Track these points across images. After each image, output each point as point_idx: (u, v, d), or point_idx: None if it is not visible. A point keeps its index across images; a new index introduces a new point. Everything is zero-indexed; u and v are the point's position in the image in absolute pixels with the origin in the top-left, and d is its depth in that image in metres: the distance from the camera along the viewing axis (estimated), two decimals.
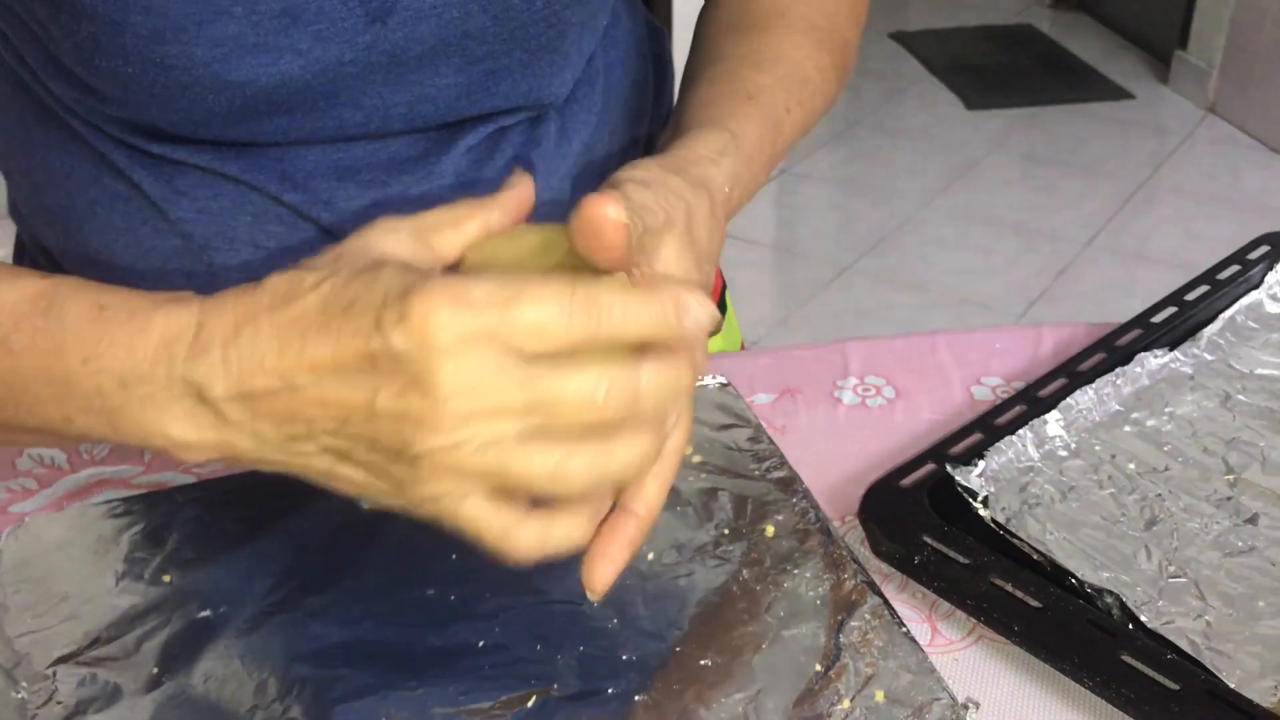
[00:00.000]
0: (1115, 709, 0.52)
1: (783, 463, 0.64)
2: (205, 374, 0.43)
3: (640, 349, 0.42)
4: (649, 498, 0.47)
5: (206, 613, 0.56)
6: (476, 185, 0.64)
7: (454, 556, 0.58)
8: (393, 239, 0.47)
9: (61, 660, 0.53)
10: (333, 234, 0.62)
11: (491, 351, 0.40)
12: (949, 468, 0.62)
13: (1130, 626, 0.54)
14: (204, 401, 0.44)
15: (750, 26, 0.67)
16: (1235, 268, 0.81)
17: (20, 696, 0.51)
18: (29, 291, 0.48)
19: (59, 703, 0.51)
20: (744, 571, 0.57)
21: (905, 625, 0.54)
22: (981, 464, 0.63)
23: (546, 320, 0.40)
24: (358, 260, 0.44)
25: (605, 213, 0.40)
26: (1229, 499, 0.63)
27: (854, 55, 0.72)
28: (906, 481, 0.63)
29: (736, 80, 0.63)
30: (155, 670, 0.52)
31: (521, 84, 0.63)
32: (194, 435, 0.45)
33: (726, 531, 0.60)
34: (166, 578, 0.58)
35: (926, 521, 0.60)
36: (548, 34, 0.62)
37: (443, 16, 0.59)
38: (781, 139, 0.62)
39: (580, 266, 0.43)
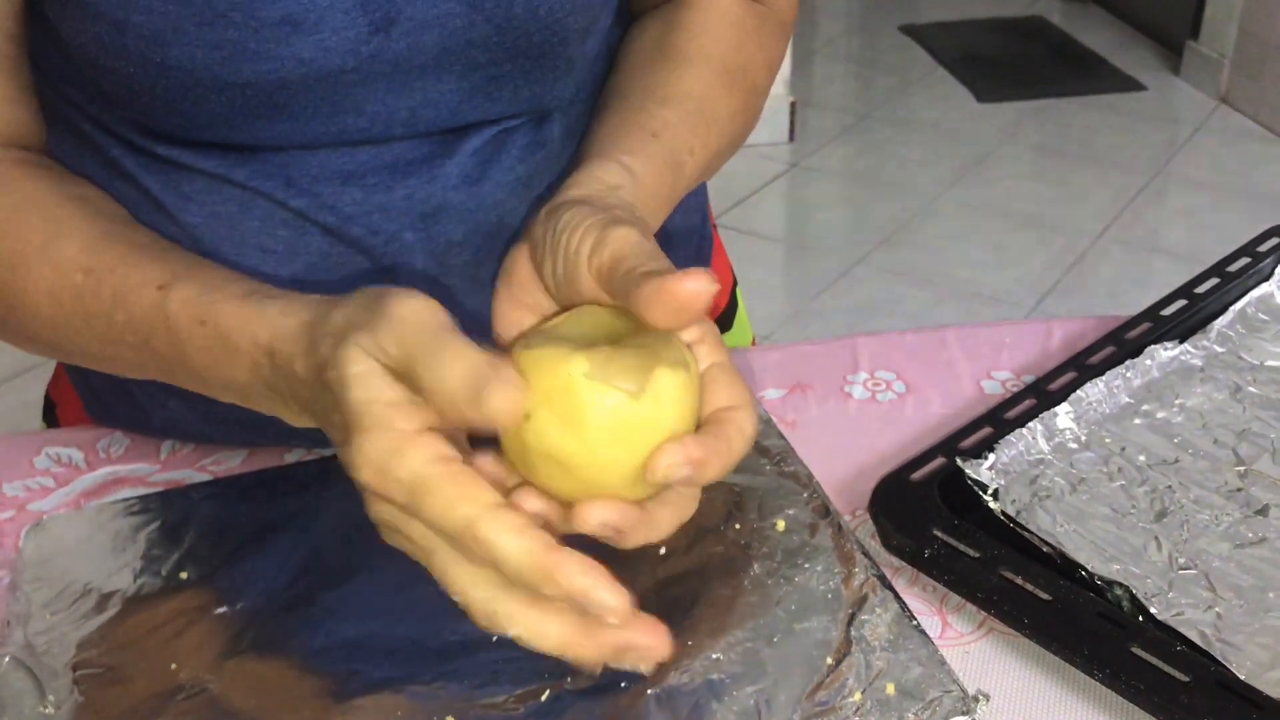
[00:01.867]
0: (1125, 701, 0.52)
1: (793, 457, 0.65)
2: (283, 391, 0.50)
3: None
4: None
5: (223, 609, 0.56)
6: (481, 185, 0.64)
7: None
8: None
9: (80, 657, 0.53)
10: (338, 236, 0.63)
11: (398, 512, 0.44)
12: (959, 461, 0.62)
13: (1140, 618, 0.54)
14: (289, 408, 0.51)
15: (663, 62, 0.66)
16: (1245, 260, 0.81)
17: (45, 708, 0.51)
18: (150, 303, 0.54)
19: (78, 700, 0.51)
20: (755, 566, 0.58)
21: (916, 618, 0.55)
22: (991, 457, 0.63)
23: (442, 530, 0.42)
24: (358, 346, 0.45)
25: (699, 288, 0.42)
26: (1239, 490, 0.63)
27: (762, 102, 0.71)
28: (917, 475, 0.64)
29: (642, 115, 0.62)
30: (173, 666, 0.53)
31: (524, 90, 0.63)
32: (299, 423, 0.52)
33: (738, 526, 0.60)
34: (184, 574, 0.58)
35: (937, 515, 0.60)
36: (550, 41, 0.62)
37: (446, 26, 0.59)
38: (682, 180, 0.61)
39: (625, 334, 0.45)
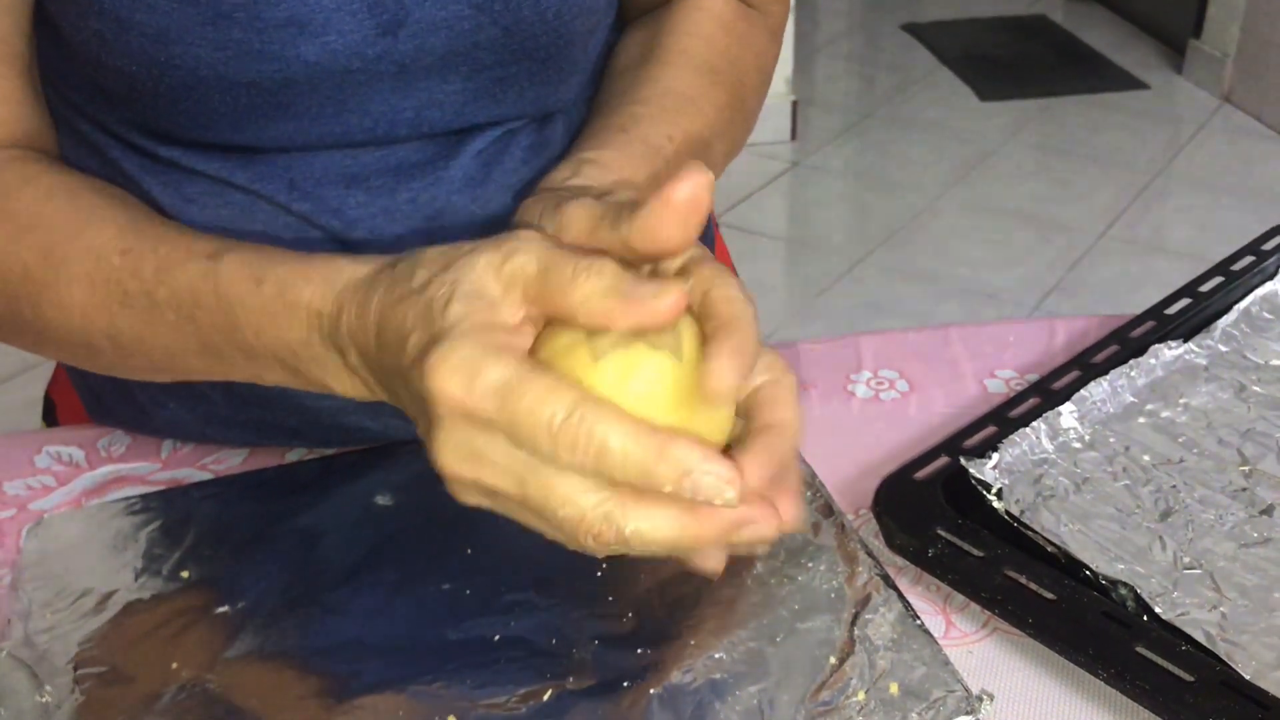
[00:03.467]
0: (1130, 700, 0.52)
1: (796, 456, 0.64)
2: (342, 345, 0.49)
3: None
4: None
5: (224, 608, 0.56)
6: (485, 187, 0.64)
7: (469, 551, 0.59)
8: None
9: (81, 656, 0.53)
10: (342, 239, 0.63)
11: (483, 431, 0.42)
12: (963, 460, 0.62)
13: (1145, 618, 0.54)
14: (348, 365, 0.49)
15: (645, 64, 0.65)
16: (1250, 258, 0.81)
17: (45, 701, 0.51)
18: (198, 271, 0.52)
19: (79, 698, 0.51)
20: (758, 565, 0.57)
21: (919, 618, 0.54)
22: (995, 456, 0.63)
23: (538, 430, 0.40)
24: (458, 275, 0.44)
25: (694, 185, 0.41)
26: (1244, 490, 0.63)
27: (757, 105, 0.70)
28: (920, 474, 0.63)
29: (613, 115, 0.61)
30: (174, 665, 0.53)
31: (529, 91, 0.63)
32: (351, 390, 0.51)
33: None
34: (185, 574, 0.58)
35: (940, 514, 0.60)
36: (556, 43, 0.62)
37: (454, 28, 0.59)
38: (664, 165, 0.59)
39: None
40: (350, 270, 0.49)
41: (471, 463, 0.42)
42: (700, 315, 0.44)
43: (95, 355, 0.58)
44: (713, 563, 0.46)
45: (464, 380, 0.41)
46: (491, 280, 0.43)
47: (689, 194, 0.42)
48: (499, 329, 0.42)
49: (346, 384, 0.50)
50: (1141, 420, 0.68)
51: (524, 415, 0.40)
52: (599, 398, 0.41)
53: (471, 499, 0.44)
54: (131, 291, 0.54)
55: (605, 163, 0.56)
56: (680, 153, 0.61)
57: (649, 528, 0.41)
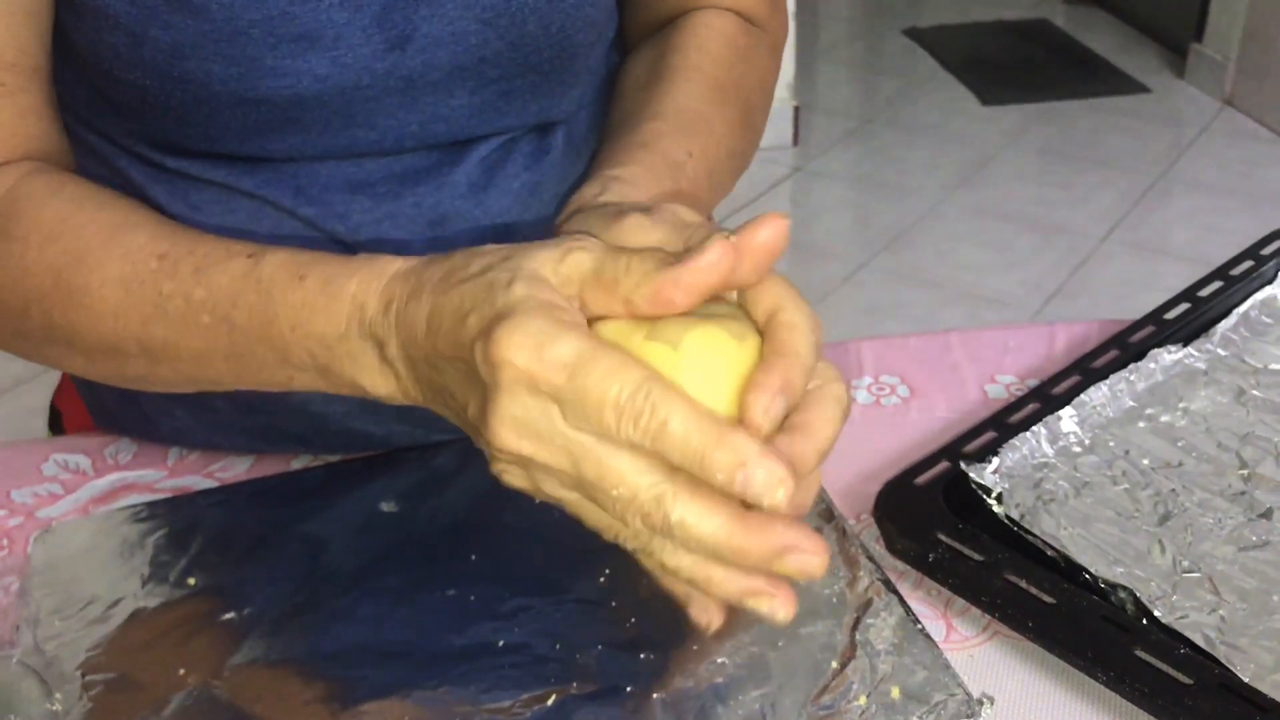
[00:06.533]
0: (1129, 703, 0.52)
1: None
2: (384, 333, 0.48)
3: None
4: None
5: (230, 615, 0.56)
6: (488, 193, 0.65)
7: (473, 557, 0.59)
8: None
9: (89, 663, 0.54)
10: (347, 244, 0.63)
11: (545, 406, 0.42)
12: (963, 465, 0.63)
13: (1144, 621, 0.55)
14: (384, 358, 0.49)
15: (656, 82, 0.66)
16: (1248, 263, 0.81)
17: (54, 708, 0.52)
18: (240, 269, 0.52)
19: (87, 705, 0.52)
20: None
21: (920, 622, 0.55)
22: (995, 461, 0.63)
23: (605, 404, 0.40)
24: (520, 262, 0.45)
25: (772, 233, 0.42)
26: (1243, 494, 0.63)
27: (761, 120, 0.71)
28: (921, 479, 0.64)
29: (631, 133, 0.62)
30: (181, 672, 0.53)
31: (532, 103, 0.64)
32: (383, 388, 0.50)
33: None
34: (191, 580, 0.58)
35: (941, 519, 0.61)
36: (559, 56, 0.62)
37: (461, 43, 0.59)
38: (685, 179, 0.60)
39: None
40: (399, 263, 0.49)
41: (528, 437, 0.42)
42: (764, 333, 0.44)
43: (124, 362, 0.57)
44: (712, 614, 0.46)
45: (533, 351, 0.41)
46: (550, 273, 0.44)
47: (763, 246, 0.43)
48: (564, 308, 0.43)
49: (378, 380, 0.50)
50: (1141, 424, 0.68)
51: (592, 389, 0.40)
52: (666, 379, 0.41)
53: (515, 480, 0.44)
54: (167, 293, 0.54)
55: (631, 179, 0.57)
56: (699, 169, 0.61)
57: (695, 520, 0.41)
